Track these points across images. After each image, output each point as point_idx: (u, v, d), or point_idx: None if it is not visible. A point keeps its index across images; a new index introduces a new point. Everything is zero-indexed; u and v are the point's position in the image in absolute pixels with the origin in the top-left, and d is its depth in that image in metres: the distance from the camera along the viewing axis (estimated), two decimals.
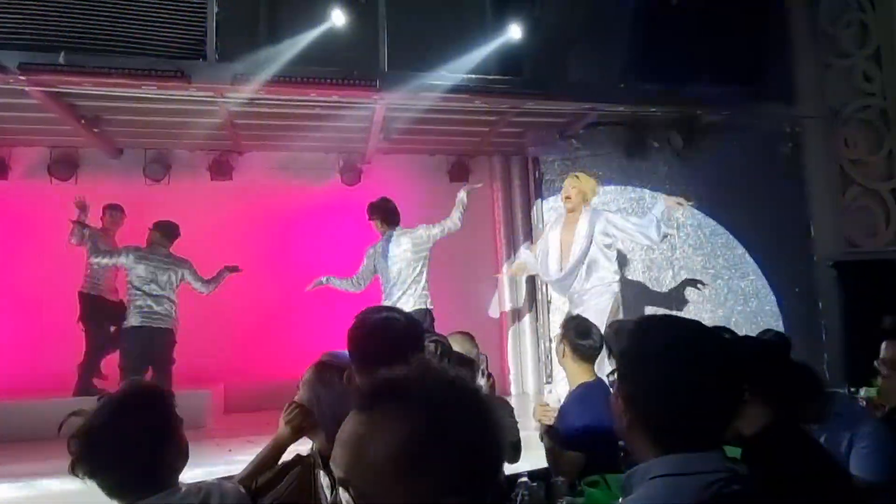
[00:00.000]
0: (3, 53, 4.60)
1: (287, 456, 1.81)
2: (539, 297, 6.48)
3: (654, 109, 5.92)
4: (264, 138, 6.40)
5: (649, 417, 1.14)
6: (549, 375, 6.21)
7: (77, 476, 1.40)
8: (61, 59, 4.67)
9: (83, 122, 5.55)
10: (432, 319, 4.85)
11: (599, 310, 4.64)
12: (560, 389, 5.80)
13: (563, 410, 2.70)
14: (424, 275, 4.91)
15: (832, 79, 6.70)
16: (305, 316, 6.37)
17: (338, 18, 5.06)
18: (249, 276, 6.32)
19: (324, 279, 5.15)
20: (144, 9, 4.94)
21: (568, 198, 4.90)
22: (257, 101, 5.28)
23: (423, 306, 4.83)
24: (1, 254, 6.09)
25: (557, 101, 5.66)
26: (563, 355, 2.80)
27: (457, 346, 2.56)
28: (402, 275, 4.85)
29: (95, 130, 5.73)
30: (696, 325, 1.22)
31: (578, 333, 2.81)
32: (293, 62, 5.01)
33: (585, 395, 2.74)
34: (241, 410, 5.99)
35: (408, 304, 4.74)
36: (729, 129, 6.29)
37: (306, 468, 1.77)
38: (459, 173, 6.95)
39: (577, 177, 5.01)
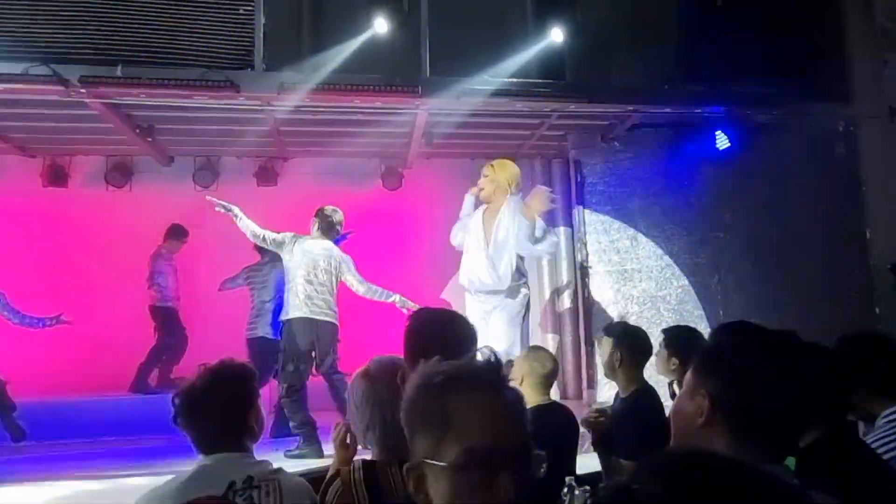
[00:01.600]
0: (65, 67, 4.83)
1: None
2: (581, 301, 6.41)
3: (699, 110, 5.80)
4: (308, 145, 6.54)
5: (738, 417, 1.14)
6: (591, 381, 6.14)
7: (177, 426, 1.68)
8: (119, 72, 4.89)
9: (138, 131, 5.78)
10: None
11: (512, 315, 4.43)
12: (604, 395, 5.76)
13: (619, 417, 2.67)
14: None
15: (890, 76, 6.43)
16: (347, 319, 6.47)
17: (380, 26, 5.14)
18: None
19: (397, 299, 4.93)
20: (196, 21, 5.12)
21: (481, 189, 4.64)
22: (302, 109, 5.40)
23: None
24: (61, 258, 6.37)
25: (600, 104, 5.61)
26: (620, 362, 2.77)
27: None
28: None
29: (149, 139, 5.96)
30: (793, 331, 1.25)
31: (637, 340, 2.80)
32: (337, 70, 5.11)
33: (644, 401, 2.72)
34: None
35: None
36: (780, 129, 6.11)
37: (346, 486, 1.67)
38: None
39: (492, 165, 4.72)
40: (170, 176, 6.59)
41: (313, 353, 4.72)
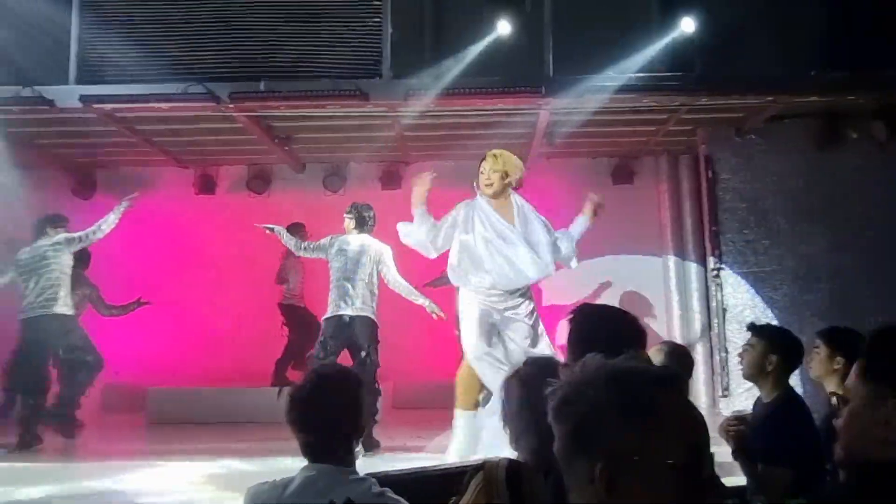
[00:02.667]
0: (216, 85, 5.30)
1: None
2: (713, 304, 6.08)
3: (850, 97, 5.31)
4: (431, 148, 6.70)
5: None
6: (726, 388, 5.80)
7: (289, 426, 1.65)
8: (262, 87, 5.29)
9: (276, 141, 6.22)
10: None
11: (536, 314, 4.08)
12: (739, 403, 5.41)
13: (762, 422, 2.52)
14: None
15: None
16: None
17: (503, 28, 5.17)
18: (419, 278, 6.65)
19: None
20: (328, 35, 5.43)
21: (489, 184, 4.13)
22: (426, 114, 5.56)
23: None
24: (210, 260, 6.97)
25: (734, 96, 5.30)
26: (773, 366, 2.60)
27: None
28: None
29: (286, 148, 6.39)
30: None
31: (793, 343, 2.63)
32: (460, 74, 5.22)
33: (793, 405, 2.55)
34: (408, 407, 6.34)
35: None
36: None
37: (488, 482, 1.55)
38: (623, 175, 6.77)
39: (494, 156, 4.23)
40: (303, 182, 7.02)
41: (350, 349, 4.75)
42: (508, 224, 4.08)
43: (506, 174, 4.15)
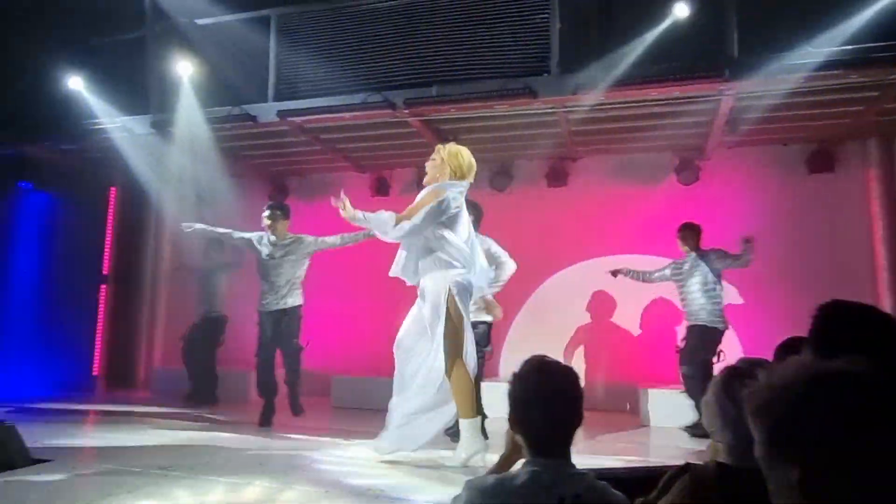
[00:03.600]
0: (391, 93, 5.63)
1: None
2: None
3: None
4: (598, 143, 6.51)
5: None
6: None
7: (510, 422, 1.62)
8: (434, 92, 5.50)
9: (445, 142, 6.41)
10: None
11: None
12: None
13: None
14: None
15: None
16: (631, 318, 6.30)
17: (681, 11, 4.87)
18: (581, 277, 6.53)
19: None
20: (495, 36, 5.50)
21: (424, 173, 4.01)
22: (595, 108, 5.41)
23: None
24: (373, 257, 7.37)
25: None
26: None
27: None
28: None
29: None
30: None
31: None
32: (632, 64, 5.00)
33: None
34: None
35: None
36: None
37: (696, 485, 1.62)
38: (822, 162, 6.04)
39: (443, 147, 4.09)
40: None
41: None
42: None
43: (436, 166, 4.08)
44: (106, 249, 7.73)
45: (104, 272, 7.71)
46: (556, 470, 1.53)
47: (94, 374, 7.47)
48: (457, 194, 3.84)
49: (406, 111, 5.58)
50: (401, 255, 3.89)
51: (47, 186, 7.39)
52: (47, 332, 7.15)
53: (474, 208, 4.54)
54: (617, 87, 5.04)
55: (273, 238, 5.26)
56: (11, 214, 7.36)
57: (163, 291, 8.10)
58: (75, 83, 6.17)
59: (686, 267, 5.32)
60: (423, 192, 3.91)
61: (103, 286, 7.69)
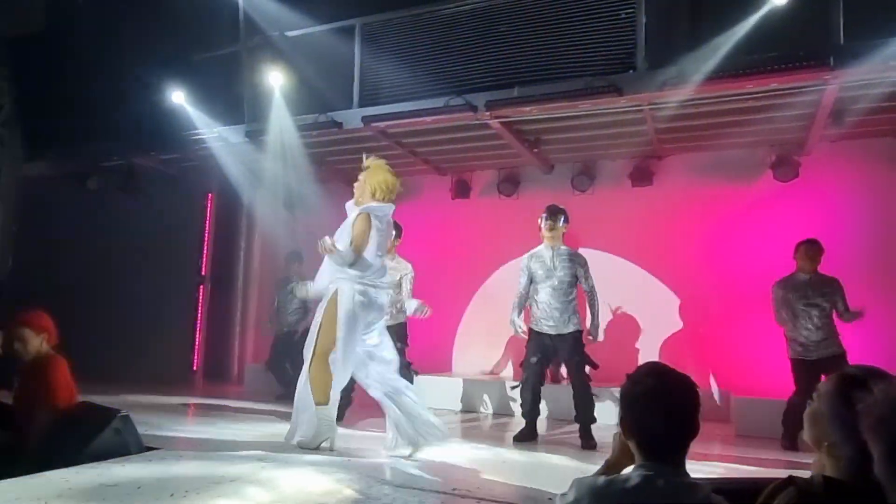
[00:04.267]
0: (473, 96, 5.65)
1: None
2: None
3: None
4: (685, 140, 6.27)
5: None
6: None
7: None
8: (516, 93, 5.48)
9: (526, 144, 6.39)
10: None
11: None
12: None
13: None
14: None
15: None
16: (739, 323, 6.01)
17: None
18: (670, 278, 6.30)
19: None
20: (579, 34, 5.40)
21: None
22: (683, 104, 5.21)
23: None
24: (466, 258, 7.41)
25: None
26: None
27: None
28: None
29: (535, 150, 6.53)
30: None
31: None
32: (726, 56, 4.77)
33: None
34: None
35: None
36: None
37: (803, 498, 1.52)
38: None
39: (368, 167, 4.35)
40: (551, 182, 7.09)
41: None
42: None
43: (361, 188, 4.36)
44: (204, 252, 8.20)
45: (202, 273, 8.18)
46: (671, 476, 1.48)
47: (194, 369, 7.93)
48: (381, 222, 4.24)
49: (487, 113, 5.59)
50: (323, 267, 4.26)
51: (153, 193, 7.92)
52: (152, 329, 7.67)
53: (396, 228, 5.13)
54: (709, 80, 4.83)
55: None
56: (118, 220, 7.94)
57: (254, 293, 8.51)
58: (178, 97, 6.60)
59: (810, 292, 4.88)
60: (352, 216, 4.23)
61: (202, 286, 8.16)
